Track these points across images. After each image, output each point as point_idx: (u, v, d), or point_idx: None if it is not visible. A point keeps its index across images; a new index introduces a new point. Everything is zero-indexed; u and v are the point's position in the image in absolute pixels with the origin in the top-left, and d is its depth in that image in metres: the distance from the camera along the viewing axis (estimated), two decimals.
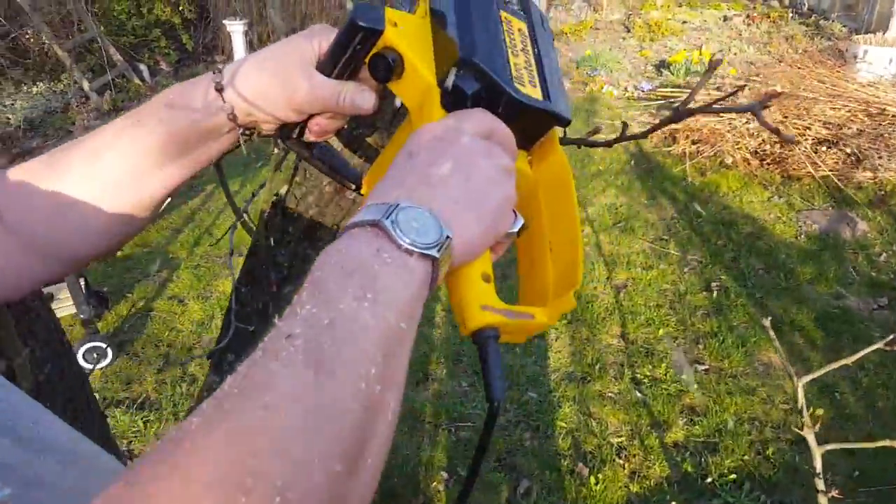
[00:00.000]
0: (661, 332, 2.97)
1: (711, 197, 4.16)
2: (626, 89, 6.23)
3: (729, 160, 4.41)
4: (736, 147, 4.41)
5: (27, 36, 6.56)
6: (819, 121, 4.27)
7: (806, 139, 4.20)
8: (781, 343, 2.89)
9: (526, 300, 0.51)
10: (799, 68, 4.88)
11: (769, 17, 8.48)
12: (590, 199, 4.23)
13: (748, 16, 8.63)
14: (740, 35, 7.89)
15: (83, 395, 0.93)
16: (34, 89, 6.31)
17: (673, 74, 6.18)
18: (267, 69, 0.55)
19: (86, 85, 6.21)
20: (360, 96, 0.55)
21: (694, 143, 4.65)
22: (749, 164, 4.37)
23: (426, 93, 0.50)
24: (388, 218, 0.39)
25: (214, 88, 0.54)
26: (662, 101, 5.50)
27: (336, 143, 0.86)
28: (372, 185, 0.64)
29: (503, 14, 0.53)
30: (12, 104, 6.01)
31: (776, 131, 0.56)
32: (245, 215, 1.29)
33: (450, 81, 0.48)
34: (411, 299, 0.38)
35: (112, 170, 0.55)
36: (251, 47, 7.48)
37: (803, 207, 3.99)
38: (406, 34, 0.52)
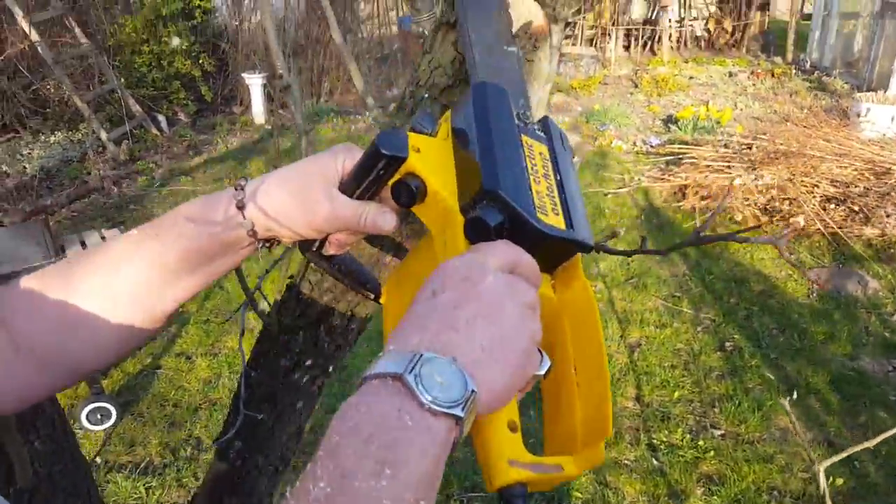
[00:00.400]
0: (676, 394, 2.91)
1: (722, 254, 4.13)
2: (634, 144, 6.29)
3: (738, 216, 4.40)
4: (745, 203, 4.40)
5: (48, 87, 6.73)
6: (826, 179, 4.27)
7: (814, 197, 4.20)
8: (797, 407, 2.82)
9: (553, 447, 0.49)
10: (805, 127, 4.92)
11: (773, 73, 8.61)
12: (601, 254, 4.20)
13: (752, 72, 8.77)
14: (745, 91, 8.00)
15: (84, 487, 0.90)
16: (52, 138, 6.43)
17: (681, 130, 6.24)
18: (289, 188, 0.54)
19: (103, 135, 6.33)
20: (381, 218, 0.55)
21: (703, 198, 4.66)
22: (758, 220, 4.36)
23: (449, 218, 0.50)
24: (410, 372, 0.37)
25: (236, 206, 0.54)
26: (671, 157, 5.52)
27: None
28: (391, 295, 0.63)
29: (524, 138, 0.53)
30: (29, 153, 6.12)
31: (798, 266, 0.55)
32: (258, 290, 1.28)
33: (474, 213, 0.48)
34: (432, 466, 0.36)
35: (127, 284, 0.55)
36: (269, 99, 7.66)
37: (814, 265, 3.95)
38: (429, 159, 0.52)
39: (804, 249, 4.12)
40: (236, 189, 0.55)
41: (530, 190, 0.49)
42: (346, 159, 0.55)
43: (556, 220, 0.49)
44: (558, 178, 0.53)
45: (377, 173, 0.52)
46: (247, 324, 1.10)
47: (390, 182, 0.53)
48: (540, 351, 0.45)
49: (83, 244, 4.17)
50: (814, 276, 3.78)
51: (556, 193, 0.51)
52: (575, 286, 0.53)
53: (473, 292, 0.42)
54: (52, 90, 6.71)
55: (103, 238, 4.25)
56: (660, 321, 3.47)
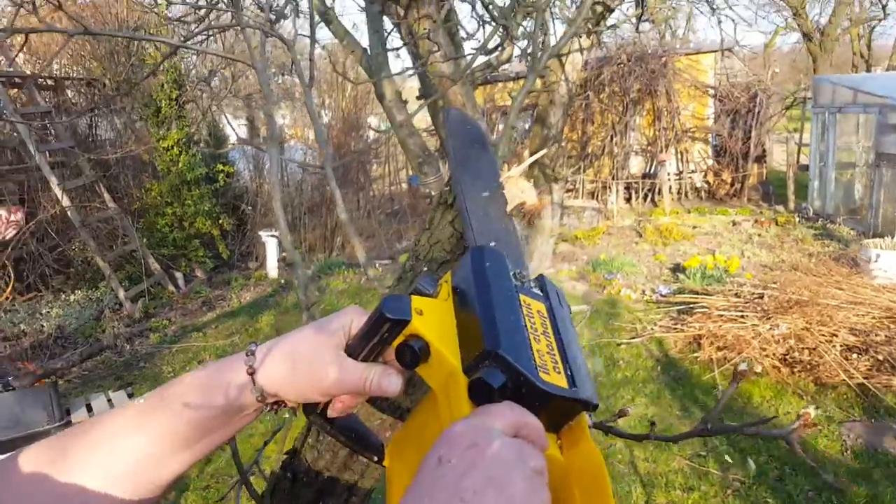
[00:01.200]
0: None
1: (745, 408, 3.99)
2: (643, 292, 6.34)
3: (758, 368, 4.31)
4: (763, 354, 4.33)
5: (73, 248, 7.04)
6: (845, 327, 4.22)
7: (834, 346, 4.13)
8: None
9: None
10: (815, 276, 4.96)
11: (776, 221, 8.87)
12: (619, 410, 4.07)
13: (756, 220, 9.05)
14: (751, 239, 8.19)
15: None
16: (72, 297, 6.61)
17: (689, 279, 6.31)
18: (298, 355, 0.56)
19: (121, 293, 6.51)
20: (386, 380, 0.56)
21: (719, 349, 4.59)
22: (780, 371, 4.26)
23: (452, 378, 0.51)
24: None
25: (247, 372, 0.56)
26: (683, 306, 5.54)
27: None
28: (394, 457, 0.62)
29: (522, 297, 0.55)
30: (48, 312, 6.25)
31: (806, 452, 0.54)
32: (255, 465, 1.24)
33: (476, 374, 0.49)
34: None
35: (126, 458, 0.55)
36: (282, 258, 7.94)
37: (843, 418, 3.79)
38: (431, 321, 0.54)
39: (831, 402, 3.97)
40: (248, 355, 0.57)
41: (531, 349, 0.50)
42: (354, 320, 0.57)
43: (557, 379, 0.50)
44: (557, 335, 0.54)
45: (382, 336, 0.55)
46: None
47: (394, 343, 0.55)
48: None
49: (89, 407, 4.13)
50: (846, 431, 3.62)
51: (556, 351, 0.52)
52: (582, 447, 0.52)
53: (481, 460, 0.43)
54: (77, 251, 7.01)
55: (110, 401, 4.21)
56: (686, 483, 3.27)
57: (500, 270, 0.56)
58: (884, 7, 15.01)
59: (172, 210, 7.66)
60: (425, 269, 0.94)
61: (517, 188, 0.81)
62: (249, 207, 8.66)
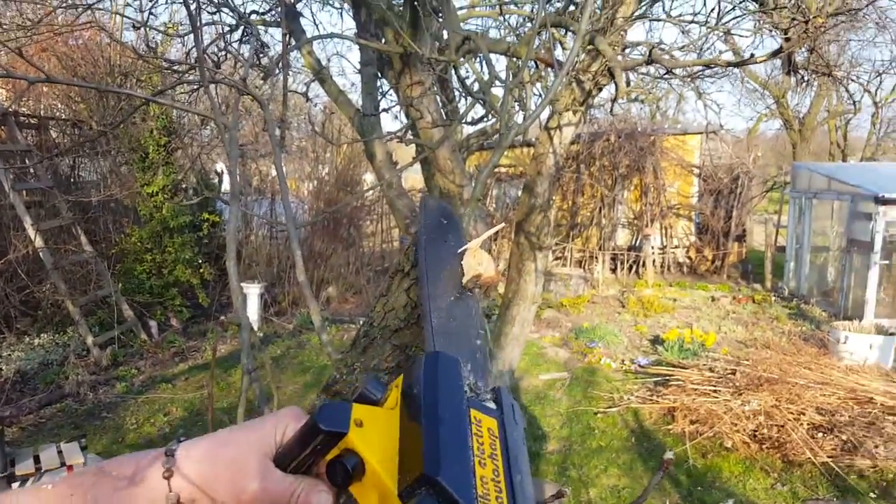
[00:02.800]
0: None
1: (714, 482, 4.07)
2: (623, 362, 6.46)
3: (728, 443, 4.41)
4: (734, 429, 4.45)
5: (43, 290, 6.82)
6: (812, 406, 4.38)
7: (801, 424, 4.27)
8: None
9: None
10: (785, 354, 5.15)
11: (754, 299, 9.14)
12: (592, 479, 4.14)
13: (734, 297, 9.31)
14: (728, 315, 8.41)
15: None
16: (37, 341, 6.46)
17: (667, 351, 6.46)
18: (222, 459, 0.53)
19: (90, 339, 6.35)
20: (315, 497, 0.53)
21: (692, 422, 4.69)
22: (749, 447, 4.37)
23: (385, 502, 0.50)
24: None
25: (163, 475, 0.53)
26: (659, 378, 5.66)
27: None
28: None
29: (473, 413, 0.53)
30: (9, 355, 6.09)
31: None
32: None
33: (412, 500, 0.47)
34: None
35: None
36: (265, 307, 7.96)
37: (808, 496, 3.89)
38: (371, 435, 0.52)
39: (797, 479, 4.07)
40: (167, 455, 0.54)
41: (474, 475, 0.48)
42: (289, 425, 0.55)
43: None
44: (506, 458, 0.52)
45: (314, 448, 0.53)
46: None
47: (328, 457, 0.53)
48: None
49: (36, 458, 3.89)
50: None
51: (501, 478, 0.50)
52: None
53: None
54: (47, 293, 6.81)
55: (60, 452, 3.95)
56: None
57: (452, 381, 0.54)
58: (854, 103, 15.97)
59: (152, 257, 7.65)
60: (378, 336, 0.97)
61: (475, 260, 0.83)
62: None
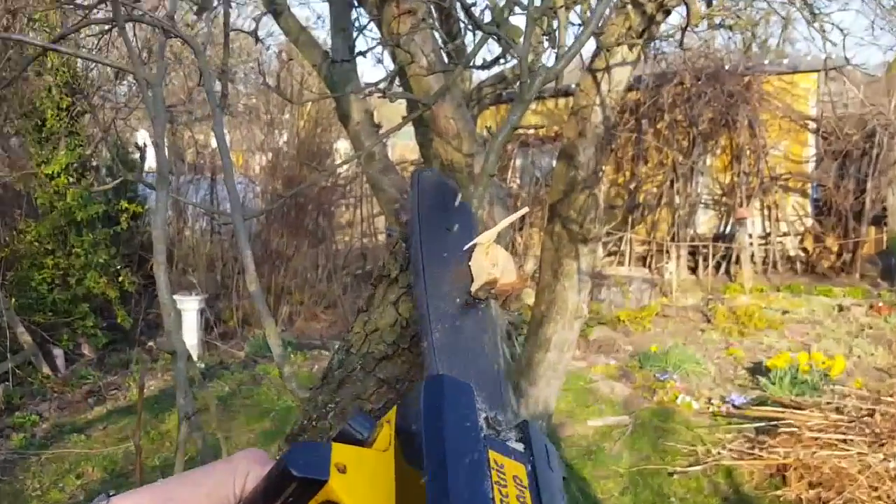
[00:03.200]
0: None
1: None
2: (709, 401, 6.38)
3: None
4: (874, 496, 4.33)
5: None
6: None
7: None
8: None
9: None
10: None
11: None
12: None
13: (871, 306, 9.13)
14: (863, 331, 8.27)
15: None
16: None
17: (774, 384, 6.36)
18: None
19: None
20: None
21: (812, 486, 4.61)
22: None
23: None
24: None
25: None
26: (763, 424, 5.57)
27: None
28: None
29: (493, 456, 0.54)
30: None
31: None
32: None
33: None
34: None
35: None
36: (207, 327, 7.95)
37: None
38: (357, 482, 0.54)
39: None
40: None
41: None
42: (249, 474, 0.58)
43: None
44: None
45: (285, 499, 0.55)
46: None
47: None
48: None
49: None
50: None
51: None
52: None
53: None
54: None
55: None
56: None
57: (463, 414, 0.55)
58: None
59: (54, 261, 7.66)
60: (358, 367, 0.98)
61: (488, 260, 0.81)
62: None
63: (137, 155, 9.39)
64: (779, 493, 4.73)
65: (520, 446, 0.57)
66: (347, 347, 1.01)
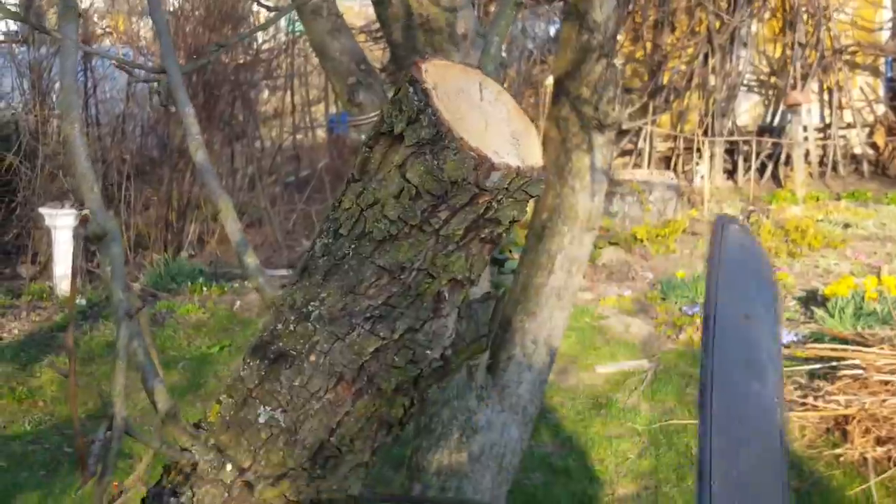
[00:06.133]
0: None
1: None
2: None
3: None
4: None
5: None
6: None
7: None
8: None
9: None
10: None
11: None
12: None
13: None
14: None
15: None
16: None
17: (833, 317, 6.50)
18: None
19: None
20: None
21: (881, 442, 4.73)
22: None
23: None
24: None
25: None
26: (819, 365, 5.68)
27: None
28: None
29: None
30: None
31: None
32: None
33: None
34: None
35: None
36: (87, 254, 7.89)
37: None
38: None
39: None
40: None
41: None
42: None
43: None
44: None
45: None
46: None
47: None
48: None
49: None
50: None
51: None
52: None
53: None
54: None
55: None
56: None
57: None
58: None
59: None
60: (351, 251, 1.00)
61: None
62: (23, 162, 8.59)
63: None
64: (837, 451, 4.87)
65: None
66: (335, 228, 1.02)
